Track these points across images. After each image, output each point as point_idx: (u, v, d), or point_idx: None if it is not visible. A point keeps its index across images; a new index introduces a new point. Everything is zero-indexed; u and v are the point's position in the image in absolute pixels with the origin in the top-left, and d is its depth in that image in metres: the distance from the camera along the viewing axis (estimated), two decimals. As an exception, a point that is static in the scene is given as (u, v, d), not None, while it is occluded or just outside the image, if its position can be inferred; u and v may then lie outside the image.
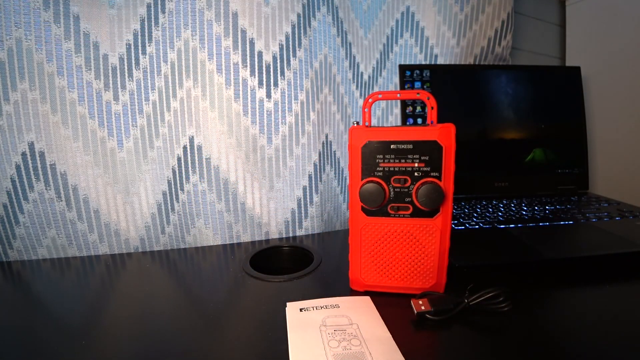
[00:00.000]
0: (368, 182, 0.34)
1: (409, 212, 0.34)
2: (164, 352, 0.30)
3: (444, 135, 0.32)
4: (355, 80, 0.65)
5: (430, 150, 0.32)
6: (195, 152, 0.53)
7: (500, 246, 0.46)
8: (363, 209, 0.35)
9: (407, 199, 0.34)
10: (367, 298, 0.36)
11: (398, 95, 0.34)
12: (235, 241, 0.57)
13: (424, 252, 0.35)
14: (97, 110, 0.49)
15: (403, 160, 0.33)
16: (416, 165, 0.33)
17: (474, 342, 0.30)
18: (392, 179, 0.34)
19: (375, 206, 0.34)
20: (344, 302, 0.36)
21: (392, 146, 0.33)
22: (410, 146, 0.33)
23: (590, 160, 0.70)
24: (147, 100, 0.52)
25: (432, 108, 0.34)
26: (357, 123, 0.35)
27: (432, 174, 0.33)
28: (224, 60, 0.52)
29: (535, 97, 0.66)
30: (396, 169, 0.33)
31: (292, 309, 0.35)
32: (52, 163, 0.49)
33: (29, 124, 0.47)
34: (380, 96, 0.34)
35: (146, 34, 0.50)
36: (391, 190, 0.34)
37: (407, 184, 0.33)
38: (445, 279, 0.36)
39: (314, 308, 0.34)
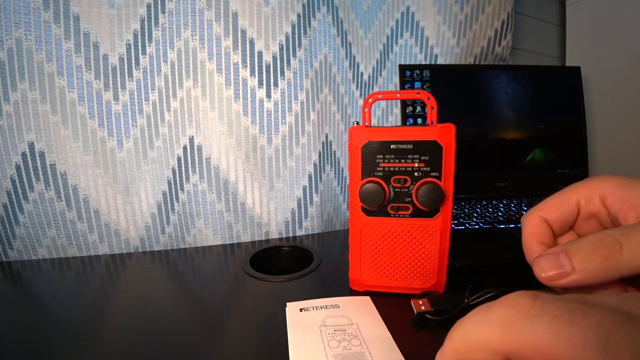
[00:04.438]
0: (368, 182, 0.34)
1: (409, 212, 0.34)
2: (164, 352, 0.30)
3: (444, 135, 0.32)
4: (355, 80, 0.65)
5: (430, 150, 0.32)
6: (195, 152, 0.53)
7: (501, 246, 0.46)
8: (363, 209, 0.35)
9: (407, 199, 0.34)
10: (367, 298, 0.36)
11: (398, 95, 0.34)
12: (235, 241, 0.57)
13: (424, 252, 0.35)
14: (97, 110, 0.49)
15: (403, 160, 0.33)
16: (416, 165, 0.33)
17: (474, 342, 0.30)
18: (392, 179, 0.33)
19: (375, 206, 0.34)
20: (344, 302, 0.36)
21: (392, 146, 0.33)
22: (410, 146, 0.33)
23: (590, 160, 0.70)
24: (147, 100, 0.52)
25: (432, 108, 0.34)
26: (357, 123, 0.35)
27: (432, 174, 0.33)
28: (224, 60, 0.52)
29: (535, 97, 0.66)
30: (396, 169, 0.33)
31: (292, 309, 0.35)
32: (52, 163, 0.49)
33: (29, 124, 0.47)
34: (380, 96, 0.34)
35: (146, 34, 0.50)
36: (391, 190, 0.34)
37: (407, 184, 0.33)
38: (445, 279, 0.36)
39: (314, 308, 0.34)
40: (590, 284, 0.18)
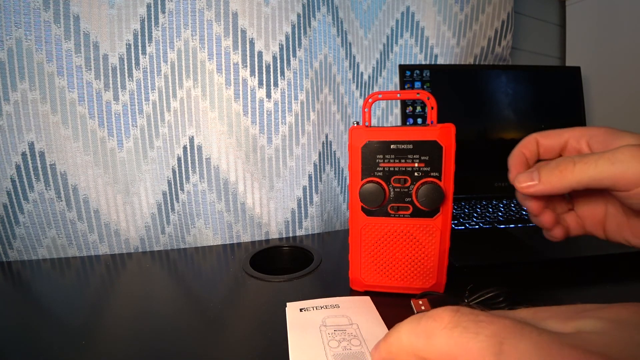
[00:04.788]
0: (368, 182, 0.33)
1: (409, 212, 0.34)
2: (164, 352, 0.30)
3: (444, 135, 0.32)
4: (355, 80, 0.65)
5: (430, 150, 0.32)
6: (195, 152, 0.53)
7: (500, 246, 0.46)
8: (363, 209, 0.35)
9: (407, 199, 0.34)
10: (367, 298, 0.36)
11: (398, 95, 0.34)
12: (235, 241, 0.57)
13: (424, 252, 0.35)
14: (97, 110, 0.49)
15: (403, 160, 0.33)
16: (416, 165, 0.33)
17: (474, 342, 0.30)
18: (392, 179, 0.33)
19: (375, 206, 0.34)
20: (344, 302, 0.36)
21: (392, 146, 0.33)
22: (410, 146, 0.33)
23: (590, 160, 0.69)
24: (147, 100, 0.52)
25: (432, 108, 0.34)
26: (357, 123, 0.35)
27: (432, 174, 0.33)
28: (224, 60, 0.52)
29: (535, 97, 0.66)
30: (396, 169, 0.33)
31: (292, 309, 0.35)
32: (52, 163, 0.49)
33: (29, 124, 0.47)
34: (380, 96, 0.34)
35: (146, 34, 0.50)
36: (391, 190, 0.34)
37: (407, 184, 0.33)
38: (445, 279, 0.36)
39: (314, 308, 0.34)
40: (552, 193, 0.25)
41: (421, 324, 0.16)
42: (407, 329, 0.17)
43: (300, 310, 0.34)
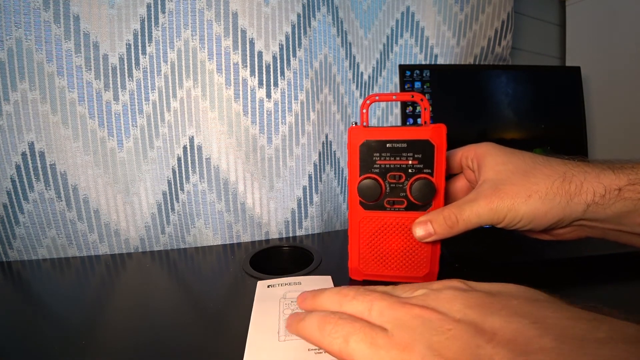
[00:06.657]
0: (366, 178, 0.35)
1: (404, 205, 0.36)
2: (164, 352, 0.30)
3: (436, 135, 0.34)
4: (355, 80, 0.65)
5: (423, 149, 0.34)
6: (195, 152, 0.53)
7: (501, 246, 0.46)
8: (361, 203, 0.37)
9: (402, 194, 0.35)
10: (328, 277, 0.40)
11: (394, 97, 0.36)
12: (235, 241, 0.57)
13: (418, 243, 0.36)
14: (97, 110, 0.49)
15: (398, 158, 0.35)
16: (410, 162, 0.35)
17: (473, 341, 0.30)
18: (388, 175, 0.35)
19: (373, 200, 0.36)
20: (306, 280, 0.39)
21: (387, 145, 0.35)
22: (405, 145, 0.35)
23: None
24: (147, 100, 0.52)
25: (426, 109, 0.35)
26: (356, 123, 0.36)
27: (424, 170, 0.35)
28: (224, 60, 0.52)
29: (535, 97, 0.66)
30: (392, 166, 0.35)
31: (261, 285, 0.39)
32: (52, 163, 0.49)
33: (29, 124, 0.47)
34: (377, 98, 0.36)
35: (146, 34, 0.50)
36: (387, 185, 0.36)
37: (402, 180, 0.35)
38: (438, 268, 0.37)
39: (280, 285, 0.39)
40: (444, 238, 0.33)
41: (337, 296, 0.25)
42: (328, 296, 0.26)
43: (268, 286, 0.38)
